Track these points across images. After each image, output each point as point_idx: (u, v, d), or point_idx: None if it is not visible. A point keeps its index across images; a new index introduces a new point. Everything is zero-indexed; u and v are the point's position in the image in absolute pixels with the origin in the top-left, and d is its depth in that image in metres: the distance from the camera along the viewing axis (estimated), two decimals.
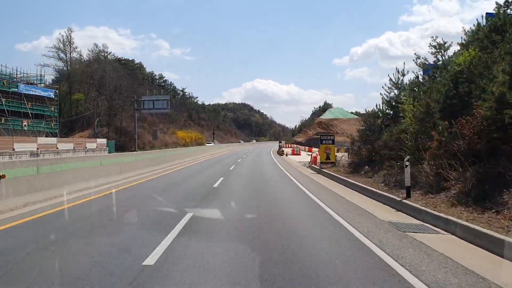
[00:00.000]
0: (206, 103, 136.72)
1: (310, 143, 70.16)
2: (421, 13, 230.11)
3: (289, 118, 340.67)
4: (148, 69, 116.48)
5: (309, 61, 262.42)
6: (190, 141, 65.86)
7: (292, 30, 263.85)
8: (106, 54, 65.03)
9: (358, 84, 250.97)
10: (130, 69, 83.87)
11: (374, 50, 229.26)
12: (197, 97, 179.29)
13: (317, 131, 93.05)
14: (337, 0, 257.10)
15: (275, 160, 32.04)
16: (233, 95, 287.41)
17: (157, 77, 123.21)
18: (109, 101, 42.06)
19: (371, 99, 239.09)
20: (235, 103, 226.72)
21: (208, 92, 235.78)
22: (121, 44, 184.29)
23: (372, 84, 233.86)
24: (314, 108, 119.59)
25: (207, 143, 74.98)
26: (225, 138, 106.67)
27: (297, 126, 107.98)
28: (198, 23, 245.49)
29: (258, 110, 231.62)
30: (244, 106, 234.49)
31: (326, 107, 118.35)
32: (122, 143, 40.10)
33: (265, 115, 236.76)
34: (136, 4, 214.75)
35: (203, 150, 40.21)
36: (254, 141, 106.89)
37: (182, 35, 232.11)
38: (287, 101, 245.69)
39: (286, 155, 38.22)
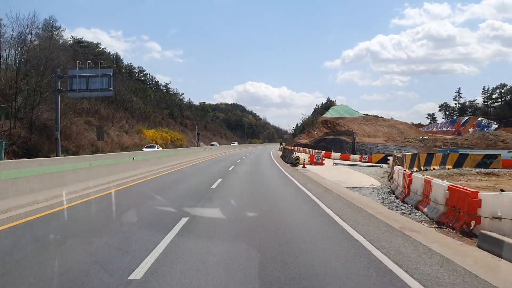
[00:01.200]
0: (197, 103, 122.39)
1: (319, 145, 55.25)
2: (412, 17, 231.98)
3: (281, 121, 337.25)
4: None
5: (301, 64, 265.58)
6: (165, 142, 50.49)
7: (284, 33, 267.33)
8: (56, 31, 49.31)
9: (349, 87, 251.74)
10: (94, 54, 68.38)
11: (366, 53, 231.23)
12: (182, 94, 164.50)
13: (322, 131, 78.32)
14: (329, 3, 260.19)
15: (299, 186, 15.17)
16: (224, 98, 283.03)
17: (136, 70, 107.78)
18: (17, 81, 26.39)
19: (362, 102, 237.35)
20: (227, 104, 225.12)
21: (200, 94, 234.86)
22: (112, 46, 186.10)
23: (363, 87, 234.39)
24: (316, 105, 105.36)
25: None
26: (213, 139, 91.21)
27: (298, 125, 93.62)
28: (191, 26, 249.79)
29: (251, 111, 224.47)
30: (236, 106, 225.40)
31: (329, 104, 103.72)
32: (34, 144, 24.75)
33: (258, 116, 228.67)
34: (128, 5, 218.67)
35: (174, 155, 25.21)
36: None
37: (174, 37, 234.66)
38: (279, 104, 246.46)
39: (304, 166, 22.62)
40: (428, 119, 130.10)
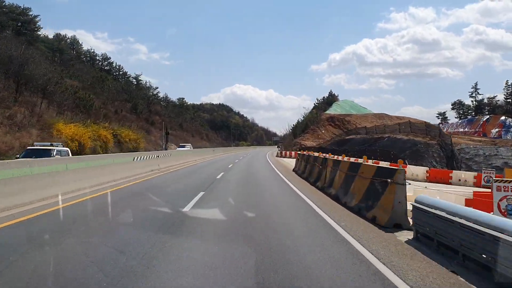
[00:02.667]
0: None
1: (334, 149, 36.95)
2: (397, 21, 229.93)
3: (270, 123, 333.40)
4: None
5: (288, 67, 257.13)
6: (103, 144, 31.84)
7: (271, 36, 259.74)
8: None
9: (336, 90, 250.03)
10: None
11: (352, 57, 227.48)
12: (157, 88, 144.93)
13: (329, 130, 60.59)
14: (315, 7, 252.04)
15: None
16: (212, 100, 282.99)
17: (99, 58, 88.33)
18: None
19: None
20: (213, 104, 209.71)
21: (187, 97, 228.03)
22: (97, 47, 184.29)
23: (349, 90, 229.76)
24: (317, 100, 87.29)
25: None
26: (191, 141, 72.38)
27: (299, 122, 75.32)
28: (177, 28, 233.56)
29: (238, 112, 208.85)
30: (222, 107, 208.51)
31: (331, 99, 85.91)
32: None
33: (246, 117, 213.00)
34: (114, 7, 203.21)
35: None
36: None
37: (160, 39, 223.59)
38: (267, 106, 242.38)
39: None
40: (438, 118, 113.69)
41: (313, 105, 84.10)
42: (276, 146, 76.30)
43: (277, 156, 47.26)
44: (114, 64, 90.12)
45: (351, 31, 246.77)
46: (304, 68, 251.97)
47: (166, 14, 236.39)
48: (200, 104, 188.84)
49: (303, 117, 73.88)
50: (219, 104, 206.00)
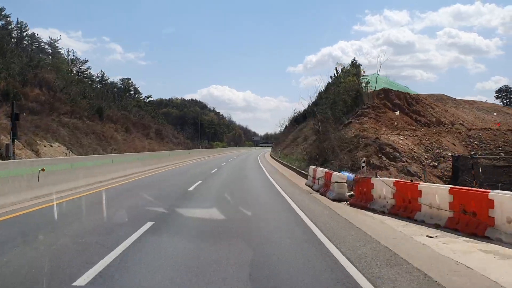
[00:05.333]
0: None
1: None
2: (372, 23, 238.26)
3: (247, 124, 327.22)
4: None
5: (264, 68, 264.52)
6: None
7: (247, 37, 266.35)
8: None
9: (312, 92, 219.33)
10: None
11: (328, 59, 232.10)
12: (88, 66, 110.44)
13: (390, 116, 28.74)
14: (290, 8, 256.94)
15: None
16: None
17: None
18: None
19: None
20: (183, 99, 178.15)
21: (164, 97, 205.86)
22: (71, 47, 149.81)
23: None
24: (336, 71, 54.54)
25: None
26: (131, 145, 38.89)
27: (323, 93, 41.73)
28: (153, 28, 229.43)
29: (214, 109, 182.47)
30: (195, 103, 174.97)
31: (354, 71, 52.94)
32: None
33: (222, 115, 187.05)
34: (88, 5, 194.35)
35: None
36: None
37: (136, 39, 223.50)
38: (244, 107, 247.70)
39: None
40: None
41: (330, 80, 51.72)
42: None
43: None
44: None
45: (327, 33, 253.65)
46: (281, 70, 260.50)
47: (140, 13, 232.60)
48: (169, 99, 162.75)
49: (331, 83, 41.11)
50: (191, 99, 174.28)
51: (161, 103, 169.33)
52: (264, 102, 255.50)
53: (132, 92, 71.45)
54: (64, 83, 38.36)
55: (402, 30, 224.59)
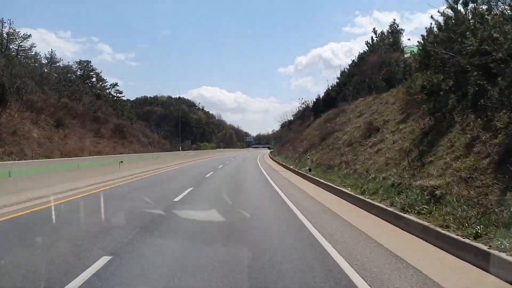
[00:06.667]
0: None
1: None
2: (362, 25, 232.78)
3: (238, 125, 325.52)
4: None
5: (255, 70, 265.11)
6: None
7: (238, 37, 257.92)
8: None
9: (303, 93, 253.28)
10: None
11: (318, 60, 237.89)
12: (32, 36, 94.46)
13: None
14: (281, 10, 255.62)
15: None
16: None
17: None
18: None
19: None
20: (170, 97, 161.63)
21: (148, 95, 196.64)
22: (59, 47, 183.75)
23: (316, 93, 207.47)
24: (375, 35, 39.76)
25: None
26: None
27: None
28: (143, 29, 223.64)
29: (203, 108, 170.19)
30: (182, 101, 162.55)
31: (393, 41, 38.25)
32: None
33: (211, 114, 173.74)
34: (78, 6, 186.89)
35: None
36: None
37: (126, 40, 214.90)
38: (234, 108, 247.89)
39: None
40: None
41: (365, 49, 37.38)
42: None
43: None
44: None
45: (317, 35, 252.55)
46: (271, 71, 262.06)
47: (131, 13, 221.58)
48: (154, 96, 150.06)
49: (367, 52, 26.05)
50: (179, 97, 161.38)
51: (145, 101, 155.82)
52: (255, 103, 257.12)
53: (94, 80, 56.27)
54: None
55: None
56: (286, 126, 60.12)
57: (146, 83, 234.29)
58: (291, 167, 23.88)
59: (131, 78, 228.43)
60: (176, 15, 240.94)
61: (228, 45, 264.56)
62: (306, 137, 32.94)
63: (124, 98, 59.12)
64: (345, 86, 30.76)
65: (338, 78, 42.18)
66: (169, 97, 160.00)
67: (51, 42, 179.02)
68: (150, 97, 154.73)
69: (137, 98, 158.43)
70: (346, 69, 40.97)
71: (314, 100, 45.92)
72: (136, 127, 48.59)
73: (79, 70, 54.19)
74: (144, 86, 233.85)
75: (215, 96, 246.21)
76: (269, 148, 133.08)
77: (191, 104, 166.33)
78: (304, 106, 53.53)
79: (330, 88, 39.68)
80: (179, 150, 62.13)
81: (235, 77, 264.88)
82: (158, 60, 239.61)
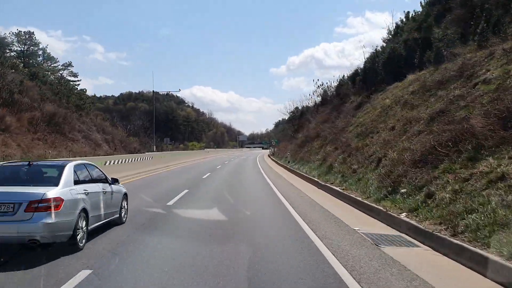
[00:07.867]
0: None
1: None
2: (354, 26, 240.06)
3: (230, 123, 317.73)
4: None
5: (247, 69, 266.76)
6: None
7: (231, 38, 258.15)
8: None
9: (295, 93, 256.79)
10: None
11: (311, 60, 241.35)
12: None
13: None
14: (274, 10, 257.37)
15: None
16: None
17: None
18: None
19: None
20: (157, 93, 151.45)
21: (133, 90, 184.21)
22: (50, 46, 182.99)
23: (308, 93, 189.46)
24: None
25: None
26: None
27: None
28: (134, 28, 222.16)
29: (192, 105, 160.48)
30: (170, 97, 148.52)
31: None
32: None
33: (202, 111, 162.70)
34: (69, 4, 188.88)
35: None
36: None
37: (117, 39, 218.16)
38: (227, 108, 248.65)
39: None
40: None
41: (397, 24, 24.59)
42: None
43: None
44: None
45: (310, 35, 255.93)
46: (264, 71, 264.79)
47: (123, 12, 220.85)
48: (139, 92, 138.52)
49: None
50: (168, 94, 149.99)
51: (129, 96, 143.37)
52: (247, 103, 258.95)
53: (40, 59, 43.35)
54: None
55: (383, 32, 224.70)
56: (297, 117, 43.97)
57: (137, 82, 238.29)
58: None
59: (122, 77, 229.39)
60: (169, 15, 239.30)
61: (220, 45, 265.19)
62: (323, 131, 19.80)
63: (79, 84, 46.36)
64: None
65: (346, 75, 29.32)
66: (157, 93, 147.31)
67: (41, 40, 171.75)
68: (135, 92, 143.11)
69: (121, 93, 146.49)
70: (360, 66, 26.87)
71: (351, 72, 29.65)
72: (86, 120, 35.76)
73: (17, 44, 41.33)
74: (135, 86, 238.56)
75: (208, 96, 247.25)
76: (262, 148, 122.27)
77: (180, 101, 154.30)
78: (321, 90, 37.66)
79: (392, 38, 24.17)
80: (154, 152, 49.57)
81: (227, 77, 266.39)
82: (150, 60, 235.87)
